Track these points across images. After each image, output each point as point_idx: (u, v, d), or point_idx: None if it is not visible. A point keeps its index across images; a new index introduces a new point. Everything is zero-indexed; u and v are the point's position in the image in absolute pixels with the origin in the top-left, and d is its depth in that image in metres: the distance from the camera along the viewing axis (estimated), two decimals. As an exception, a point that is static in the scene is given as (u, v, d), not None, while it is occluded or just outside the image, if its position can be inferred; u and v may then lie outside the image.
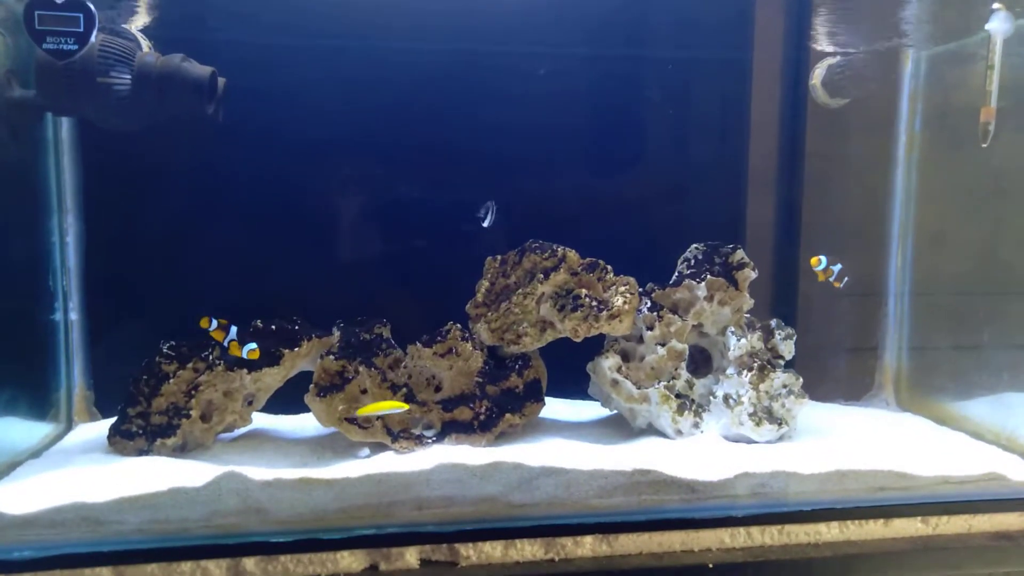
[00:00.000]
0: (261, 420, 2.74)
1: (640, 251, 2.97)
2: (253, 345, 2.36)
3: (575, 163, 3.17)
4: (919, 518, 2.28)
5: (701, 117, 3.24)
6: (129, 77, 2.21)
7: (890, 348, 3.13)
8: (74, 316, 2.80)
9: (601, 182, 3.18)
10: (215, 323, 2.35)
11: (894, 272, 3.11)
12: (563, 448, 2.40)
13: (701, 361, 2.75)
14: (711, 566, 2.12)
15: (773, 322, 2.68)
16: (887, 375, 3.14)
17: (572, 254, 2.56)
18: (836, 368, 3.17)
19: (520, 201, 3.01)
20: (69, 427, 2.77)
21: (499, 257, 2.67)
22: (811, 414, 2.72)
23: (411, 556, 2.06)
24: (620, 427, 2.69)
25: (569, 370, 2.76)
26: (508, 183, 3.03)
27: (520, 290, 2.55)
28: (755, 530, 2.22)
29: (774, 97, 3.20)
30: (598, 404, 2.83)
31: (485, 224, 2.72)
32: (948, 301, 2.92)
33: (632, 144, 3.21)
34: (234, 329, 2.37)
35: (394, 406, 2.36)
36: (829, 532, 2.25)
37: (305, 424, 2.75)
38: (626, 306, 2.51)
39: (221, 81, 2.39)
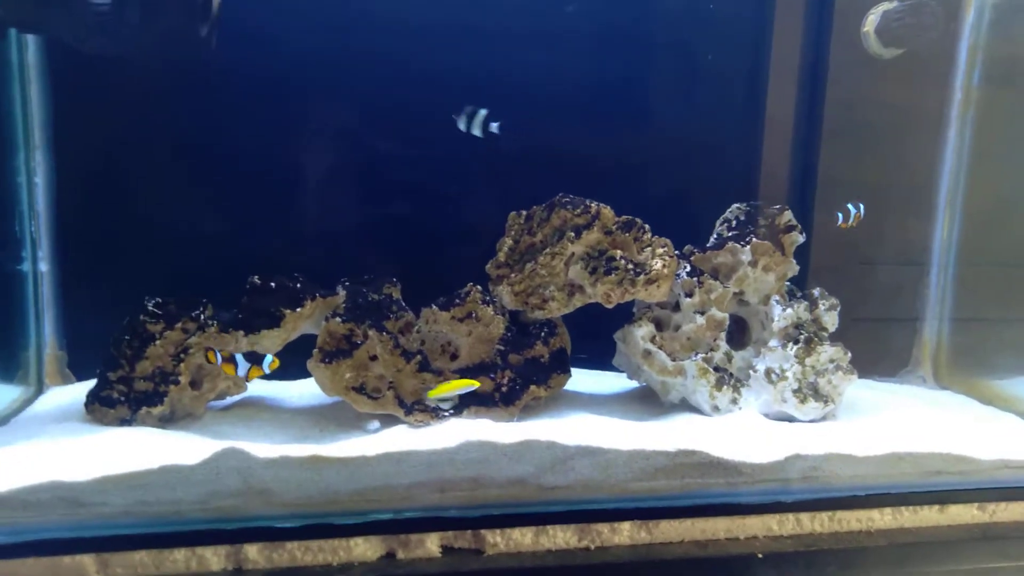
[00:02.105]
0: (255, 386, 2.49)
1: (637, 207, 2.60)
2: (270, 357, 2.11)
3: (572, 113, 2.91)
4: (976, 504, 2.14)
5: (713, 63, 2.99)
6: (110, -11, 1.89)
7: (930, 321, 2.95)
8: (44, 267, 2.52)
9: (603, 134, 2.93)
10: (220, 357, 2.10)
11: (939, 240, 2.91)
12: (594, 425, 2.19)
13: (735, 332, 2.54)
14: (760, 556, 1.95)
15: (816, 291, 2.48)
16: (925, 350, 2.96)
17: (607, 211, 2.32)
18: (868, 342, 2.98)
19: (522, 152, 2.74)
20: (40, 391, 2.51)
21: (523, 213, 2.42)
22: (848, 391, 2.54)
23: (432, 543, 1.86)
24: (649, 401, 2.48)
25: (584, 336, 2.54)
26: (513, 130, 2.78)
27: (548, 249, 2.31)
28: (804, 517, 2.05)
29: (796, 40, 2.97)
30: (613, 373, 2.65)
31: (475, 132, 2.36)
32: (999, 272, 2.73)
33: (639, 90, 2.97)
34: (240, 357, 2.11)
35: (464, 384, 2.15)
36: (882, 519, 2.09)
37: (304, 391, 2.53)
38: (665, 270, 2.28)
39: (216, 0, 2.08)
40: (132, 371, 2.15)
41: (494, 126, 2.37)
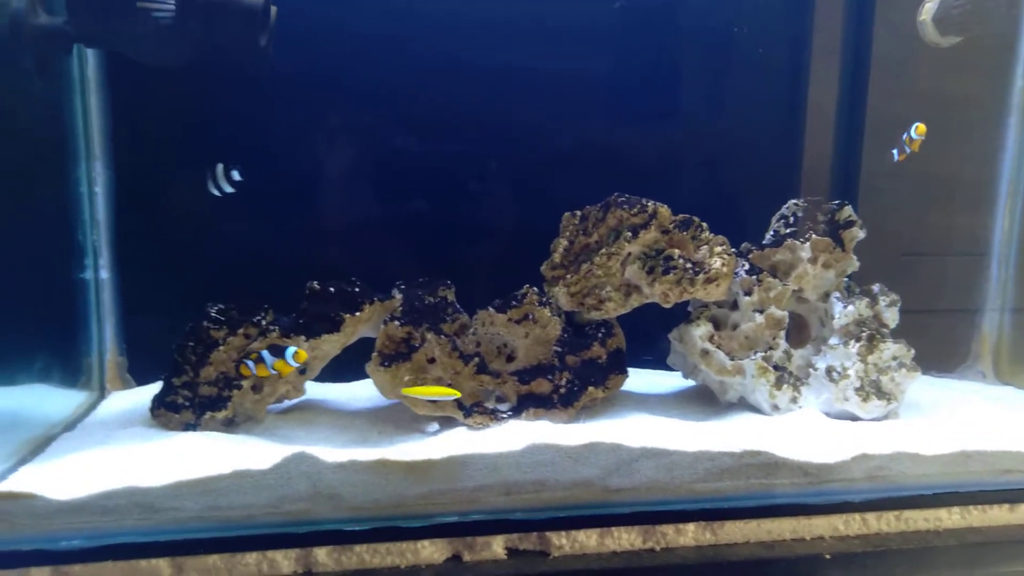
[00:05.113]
0: (312, 390, 2.52)
1: (679, 203, 2.53)
2: (293, 349, 2.10)
3: (612, 111, 2.93)
4: (1047, 503, 2.09)
5: (753, 54, 2.96)
6: (173, 2, 1.92)
7: (990, 314, 2.88)
8: (104, 274, 2.56)
9: (644, 130, 2.91)
10: (252, 366, 2.10)
11: (999, 230, 2.84)
12: (655, 426, 2.18)
13: (792, 329, 2.51)
14: (828, 557, 1.93)
15: (876, 287, 2.44)
16: (985, 344, 2.90)
17: (664, 209, 2.30)
18: (925, 336, 2.92)
19: (555, 153, 2.83)
20: (102, 395, 2.56)
21: (578, 213, 2.40)
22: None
23: (497, 546, 1.86)
24: (705, 400, 2.47)
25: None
26: (541, 130, 2.81)
27: (604, 249, 2.30)
28: (871, 516, 2.03)
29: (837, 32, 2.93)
30: (663, 371, 2.65)
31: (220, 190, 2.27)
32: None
33: (678, 86, 2.95)
34: (265, 353, 2.10)
35: (445, 392, 2.12)
36: (950, 518, 2.06)
37: (359, 394, 2.55)
38: (724, 268, 2.26)
39: (273, 10, 2.10)
40: (196, 376, 2.19)
41: (235, 175, 2.31)
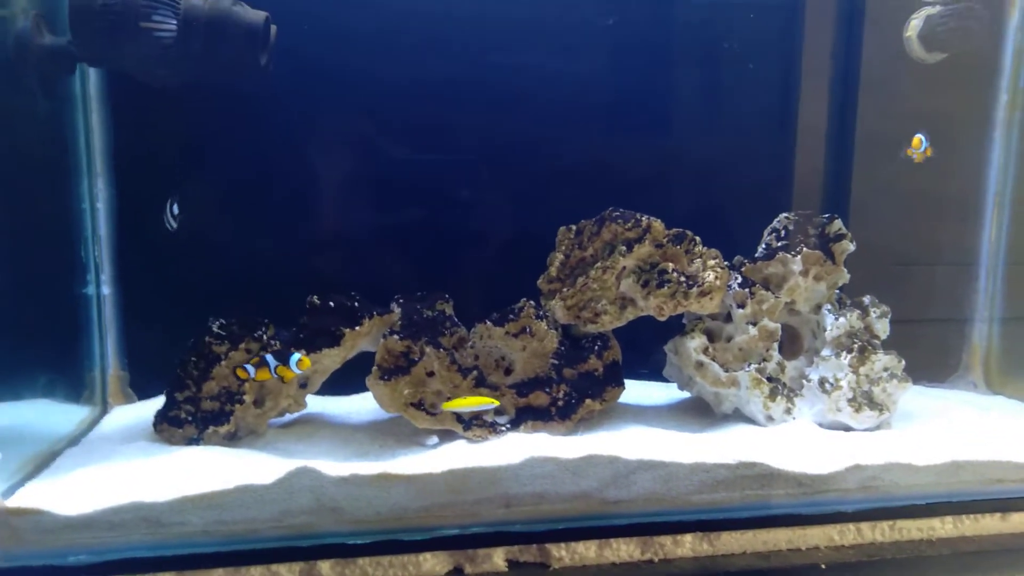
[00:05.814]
0: (313, 403, 2.53)
1: (671, 217, 2.56)
2: (298, 356, 2.15)
3: (605, 125, 2.96)
4: (1038, 512, 2.13)
5: (745, 70, 3.00)
6: (174, 22, 1.95)
7: (979, 325, 2.93)
8: (106, 290, 2.58)
9: (636, 145, 2.96)
10: (251, 370, 2.15)
11: (987, 241, 2.90)
12: (652, 438, 2.21)
13: (785, 341, 2.55)
14: (824, 567, 1.96)
15: (867, 299, 2.48)
16: (975, 354, 2.95)
17: (657, 224, 2.34)
18: (915, 346, 2.97)
19: (550, 168, 2.86)
20: (104, 410, 2.57)
21: (573, 227, 2.44)
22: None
23: (498, 558, 1.89)
24: (701, 412, 2.50)
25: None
26: (537, 145, 2.84)
27: (599, 263, 2.34)
28: (865, 526, 2.06)
29: (827, 49, 2.98)
30: (655, 383, 2.70)
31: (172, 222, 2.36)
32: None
33: (670, 101, 2.99)
34: (269, 357, 2.16)
35: (484, 402, 2.16)
36: (943, 527, 2.10)
37: (359, 407, 2.58)
38: (718, 282, 2.30)
39: (273, 28, 2.13)
40: (199, 391, 2.21)
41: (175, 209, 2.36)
